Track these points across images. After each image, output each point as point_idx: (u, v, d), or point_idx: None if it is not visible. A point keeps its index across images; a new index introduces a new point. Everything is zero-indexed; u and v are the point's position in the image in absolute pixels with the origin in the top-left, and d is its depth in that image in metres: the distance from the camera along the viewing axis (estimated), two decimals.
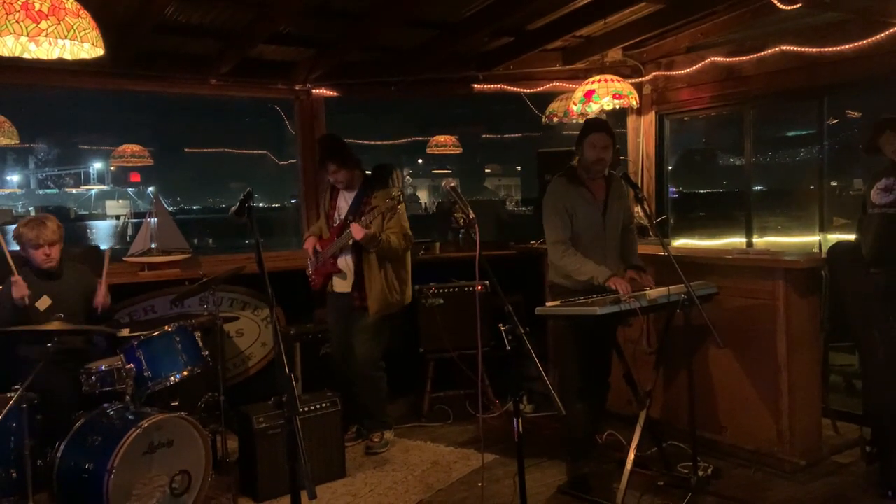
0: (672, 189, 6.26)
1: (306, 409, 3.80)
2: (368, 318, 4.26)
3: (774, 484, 3.68)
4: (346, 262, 4.33)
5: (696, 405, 3.57)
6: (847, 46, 4.30)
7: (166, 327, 3.77)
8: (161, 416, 3.34)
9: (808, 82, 4.65)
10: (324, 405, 3.91)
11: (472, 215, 3.08)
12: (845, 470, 3.80)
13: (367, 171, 4.50)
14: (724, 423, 4.03)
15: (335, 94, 5.61)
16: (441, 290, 5.00)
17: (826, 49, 4.41)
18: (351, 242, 4.19)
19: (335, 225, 4.41)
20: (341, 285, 4.38)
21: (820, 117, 4.94)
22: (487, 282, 4.58)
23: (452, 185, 2.96)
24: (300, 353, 4.72)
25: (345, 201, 4.42)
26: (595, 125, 3.73)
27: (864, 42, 4.20)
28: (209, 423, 3.97)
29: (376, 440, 4.40)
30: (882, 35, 4.11)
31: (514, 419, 2.58)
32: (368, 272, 4.24)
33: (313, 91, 5.53)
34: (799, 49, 4.56)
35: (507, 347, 2.56)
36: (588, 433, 3.75)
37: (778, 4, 3.74)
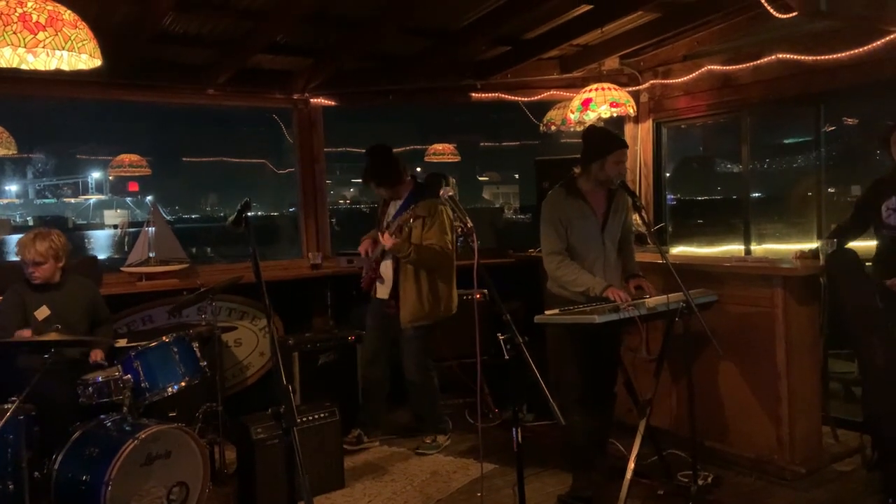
0: (670, 196, 6.26)
1: (304, 419, 3.79)
2: (404, 328, 4.36)
3: (775, 492, 3.67)
4: (386, 267, 4.44)
5: (696, 413, 3.56)
6: (843, 54, 4.31)
7: (164, 338, 3.76)
8: (158, 428, 3.32)
9: (805, 90, 4.67)
10: (322, 415, 3.90)
11: (469, 224, 3.08)
12: (846, 477, 3.79)
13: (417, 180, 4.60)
14: (724, 430, 4.02)
15: (333, 103, 5.62)
16: None
17: (822, 57, 4.42)
18: (385, 251, 4.31)
19: (383, 231, 4.48)
20: (381, 291, 4.50)
21: (817, 124, 4.96)
22: (486, 290, 4.57)
23: (450, 193, 2.96)
24: (298, 362, 4.71)
25: (394, 208, 4.51)
26: (617, 141, 3.68)
27: (860, 49, 4.22)
28: (207, 434, 3.96)
29: (427, 441, 4.49)
30: (878, 43, 4.12)
31: (514, 428, 2.57)
32: (403, 281, 4.33)
33: (311, 100, 5.54)
34: (795, 57, 4.58)
35: (506, 356, 2.55)
36: (590, 443, 3.72)
37: (774, 13, 3.75)
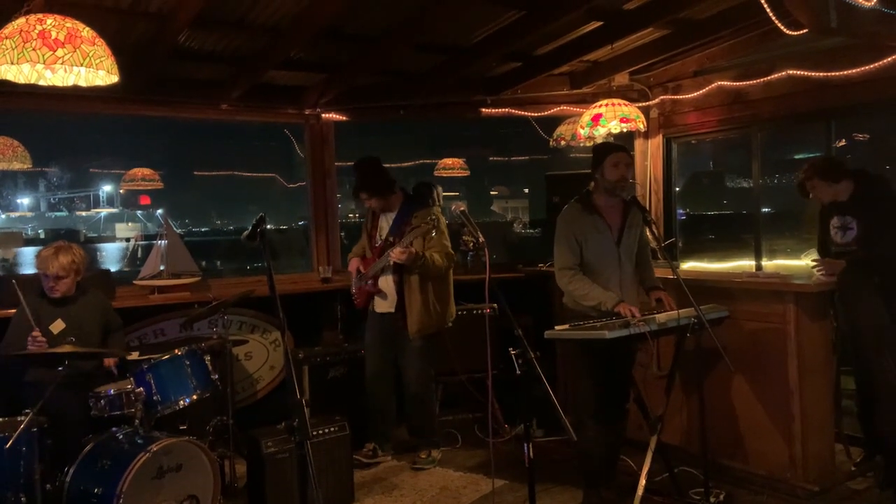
0: (680, 211, 6.25)
1: (315, 433, 3.79)
2: (412, 339, 4.34)
3: None
4: (387, 282, 4.42)
5: (707, 430, 3.54)
6: (854, 71, 4.32)
7: (176, 351, 3.78)
8: (170, 441, 3.33)
9: (816, 106, 4.67)
10: (332, 429, 3.90)
11: (481, 239, 3.10)
12: (859, 496, 3.75)
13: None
14: (736, 448, 3.99)
15: (344, 118, 5.66)
16: None
17: (833, 73, 4.43)
18: (391, 263, 4.28)
19: (376, 245, 4.47)
20: (383, 305, 4.48)
21: (827, 140, 4.95)
22: (496, 304, 4.58)
23: (462, 208, 2.98)
24: (308, 376, 4.72)
25: (386, 222, 4.52)
26: (611, 145, 3.74)
27: (871, 66, 4.22)
28: (217, 448, 3.96)
29: (423, 456, 4.48)
30: (889, 59, 4.13)
31: (525, 444, 2.57)
32: (409, 292, 4.34)
33: (323, 115, 5.59)
34: (806, 73, 4.58)
35: (518, 371, 2.55)
36: (604, 459, 3.70)
37: (784, 29, 3.75)
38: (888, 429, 3.58)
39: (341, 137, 5.79)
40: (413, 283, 4.32)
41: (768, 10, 3.56)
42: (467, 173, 8.99)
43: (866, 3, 3.49)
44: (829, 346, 3.86)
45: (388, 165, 4.66)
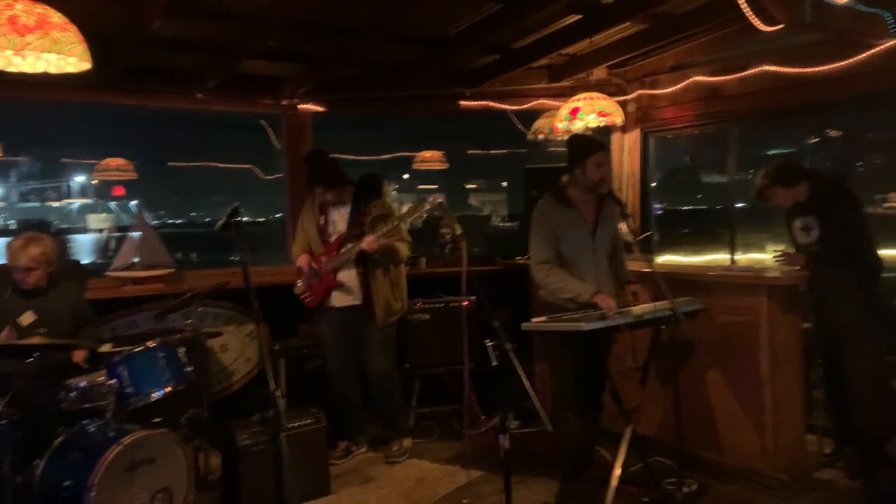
0: (657, 205, 6.30)
1: (290, 425, 3.77)
2: (377, 329, 4.33)
3: (759, 500, 3.69)
4: (348, 275, 4.36)
5: (681, 420, 3.58)
6: (829, 66, 4.37)
7: (149, 343, 3.74)
8: (143, 433, 3.30)
9: (791, 101, 4.72)
10: (308, 421, 3.88)
11: (459, 231, 3.10)
12: (829, 486, 3.82)
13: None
14: (709, 438, 4.04)
15: (322, 109, 5.62)
16: (427, 306, 4.99)
17: (808, 69, 4.48)
18: (355, 255, 4.22)
19: (331, 239, 4.42)
20: (344, 299, 4.40)
21: (803, 136, 5.02)
22: (474, 297, 4.58)
23: (440, 200, 2.97)
24: (285, 368, 4.69)
25: (339, 215, 4.44)
26: (595, 144, 3.74)
27: (846, 62, 4.27)
28: (192, 440, 3.93)
29: (395, 448, 4.48)
30: (863, 56, 4.18)
31: (501, 435, 2.58)
32: (374, 282, 4.32)
33: (300, 106, 5.54)
34: (782, 69, 4.63)
35: (494, 363, 2.56)
36: (580, 450, 3.73)
37: (759, 25, 3.79)
38: (858, 420, 3.65)
39: (319, 131, 5.74)
40: (379, 274, 4.33)
41: (744, 5, 3.59)
42: (446, 166, 8.98)
43: (840, 0, 3.53)
44: (800, 338, 3.92)
45: (367, 158, 4.64)
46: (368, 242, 4.16)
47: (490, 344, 2.57)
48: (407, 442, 4.56)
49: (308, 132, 5.66)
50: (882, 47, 4.04)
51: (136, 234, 5.12)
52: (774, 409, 3.76)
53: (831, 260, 3.75)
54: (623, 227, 3.88)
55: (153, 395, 3.64)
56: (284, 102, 5.48)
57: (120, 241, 5.53)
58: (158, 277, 4.96)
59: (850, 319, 3.66)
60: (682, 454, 3.63)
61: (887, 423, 3.52)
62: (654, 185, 6.15)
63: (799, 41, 4.48)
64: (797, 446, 3.91)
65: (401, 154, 9.76)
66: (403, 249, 4.35)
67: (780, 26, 3.76)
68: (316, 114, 5.64)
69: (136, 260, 4.98)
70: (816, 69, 4.42)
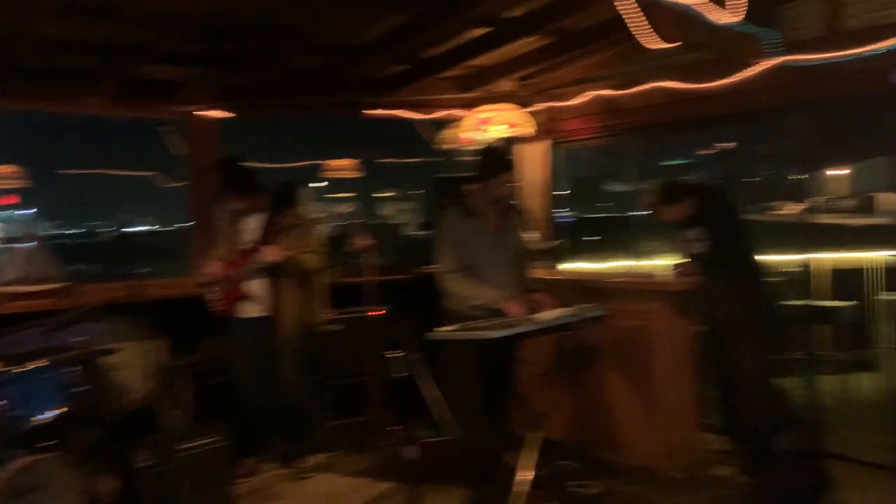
0: (564, 214, 6.49)
1: (191, 444, 3.62)
2: (287, 342, 4.21)
3: (658, 499, 3.84)
4: (258, 285, 4.24)
5: (585, 424, 3.70)
6: (715, 84, 4.62)
7: (38, 362, 3.52)
8: (30, 459, 3.10)
9: (681, 116, 4.98)
10: (210, 439, 3.74)
11: (370, 240, 3.09)
12: (722, 482, 4.01)
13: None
14: (612, 440, 4.17)
15: (226, 115, 5.46)
16: (338, 316, 4.92)
17: (697, 85, 4.73)
18: (264, 265, 4.10)
19: (243, 248, 4.29)
20: (252, 310, 4.29)
21: (694, 149, 5.31)
22: (385, 307, 4.58)
23: (350, 209, 2.95)
24: (185, 385, 4.50)
25: (252, 224, 4.33)
26: (504, 163, 3.84)
27: (730, 80, 4.53)
28: (85, 464, 3.71)
29: (305, 464, 4.37)
30: (745, 75, 4.45)
31: (409, 447, 2.57)
32: (281, 294, 4.19)
33: (202, 112, 5.37)
34: (672, 85, 4.87)
35: (402, 374, 2.56)
36: (489, 458, 3.77)
37: (653, 43, 3.98)
38: (746, 417, 3.85)
39: (226, 137, 5.58)
40: (286, 285, 4.22)
41: (638, 24, 3.76)
42: (358, 174, 8.87)
43: (724, 21, 3.75)
44: (693, 340, 4.11)
45: (276, 166, 4.55)
46: (272, 253, 4.07)
47: (397, 354, 2.56)
48: (319, 458, 4.47)
49: (213, 139, 5.48)
50: (761, 67, 4.33)
51: (23, 246, 4.81)
52: (670, 410, 3.93)
53: (718, 267, 3.97)
54: (532, 235, 3.97)
55: (42, 416, 3.42)
56: (187, 108, 5.30)
57: (5, 253, 5.18)
58: (49, 292, 4.67)
59: (735, 322, 3.88)
60: (587, 456, 3.74)
61: (773, 421, 3.74)
62: (561, 193, 6.33)
63: (689, 59, 4.72)
64: (693, 445, 4.11)
65: (311, 162, 9.60)
66: (311, 261, 4.25)
67: (672, 45, 3.97)
68: (223, 120, 5.48)
69: (23, 274, 4.68)
70: (704, 86, 4.68)
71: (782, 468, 3.65)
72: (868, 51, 3.95)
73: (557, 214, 6.21)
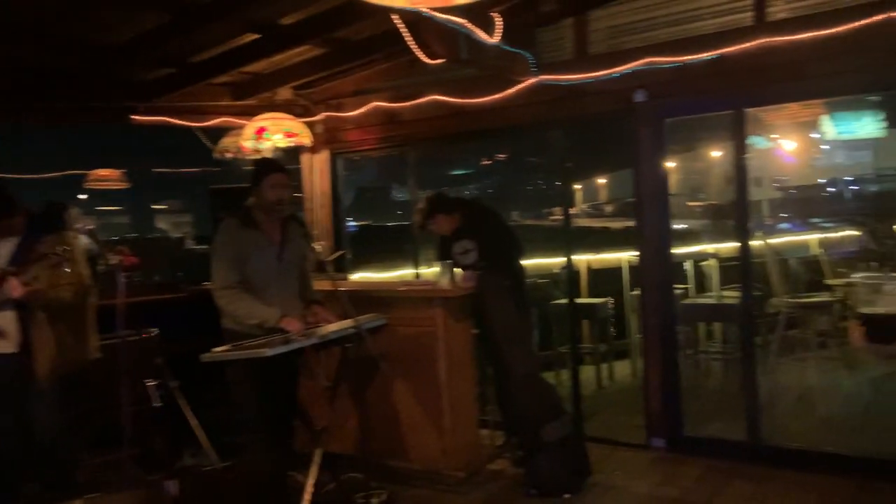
0: (352, 224, 6.48)
1: None
2: (42, 380, 3.64)
3: (441, 499, 3.96)
4: (5, 318, 3.61)
5: (372, 433, 3.71)
6: (486, 98, 4.92)
7: None
8: None
9: (457, 128, 5.22)
10: None
11: (121, 259, 2.82)
12: (499, 476, 4.25)
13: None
14: (398, 447, 4.22)
15: None
16: (100, 343, 4.44)
17: (469, 100, 4.99)
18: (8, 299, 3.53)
19: None
20: (1, 346, 3.66)
21: (472, 160, 5.58)
22: (153, 330, 4.23)
23: (90, 227, 2.67)
24: None
25: (6, 249, 3.69)
26: (270, 165, 3.70)
27: (499, 95, 4.85)
28: None
29: None
30: (511, 90, 4.78)
31: (168, 482, 2.38)
32: (36, 329, 3.60)
33: None
34: (447, 98, 5.09)
35: (157, 403, 2.36)
36: (273, 478, 3.62)
37: (423, 58, 4.12)
38: (518, 412, 4.11)
39: None
40: (40, 319, 3.63)
41: (409, 39, 3.86)
42: (126, 185, 8.18)
43: (489, 40, 3.99)
44: (471, 343, 4.31)
45: (27, 177, 3.94)
46: (13, 288, 3.50)
47: (153, 383, 2.36)
48: (74, 502, 3.96)
49: None
50: (525, 84, 4.67)
51: None
52: (452, 411, 4.07)
53: (489, 275, 4.19)
54: (316, 246, 3.90)
55: None
56: None
57: None
58: None
59: (505, 324, 4.13)
60: (372, 466, 3.75)
61: (542, 412, 4.02)
62: (346, 204, 6.32)
63: (462, 74, 4.96)
64: (473, 443, 4.29)
65: (71, 172, 8.66)
66: (66, 296, 3.66)
67: (441, 61, 4.13)
68: None
69: None
70: (476, 100, 4.95)
71: (550, 456, 3.93)
72: (610, 73, 4.43)
73: (343, 224, 6.19)
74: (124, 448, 3.37)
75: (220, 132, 5.80)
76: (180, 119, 5.48)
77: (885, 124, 8.61)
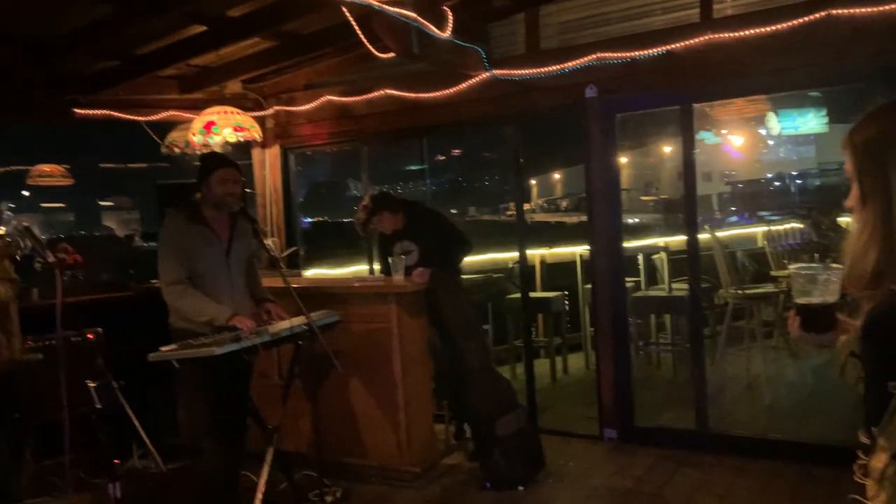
0: (305, 220, 6.40)
1: None
2: None
3: (397, 495, 3.95)
4: None
5: (326, 431, 3.67)
6: (438, 93, 4.90)
7: None
8: None
9: (410, 123, 5.19)
10: None
11: (62, 256, 2.73)
12: (455, 470, 4.26)
13: None
14: (353, 444, 4.19)
15: None
16: (39, 344, 4.30)
17: (421, 95, 4.97)
18: None
19: None
20: None
21: (423, 155, 5.55)
22: (97, 329, 4.12)
23: (25, 224, 2.58)
24: None
25: None
26: (219, 160, 3.63)
27: (451, 90, 4.84)
28: None
29: None
30: (463, 85, 4.78)
31: (111, 484, 2.32)
32: None
33: None
34: (400, 93, 5.05)
35: (99, 405, 2.30)
36: (225, 479, 3.56)
37: (374, 52, 4.08)
38: (472, 406, 4.12)
39: None
40: None
41: (360, 33, 3.82)
42: (71, 181, 7.94)
43: (441, 34, 3.97)
44: (426, 339, 4.30)
45: None
46: None
47: (93, 384, 2.29)
48: None
49: None
50: (477, 79, 4.67)
51: None
52: (407, 407, 4.06)
53: (441, 271, 4.19)
54: (269, 243, 3.83)
55: None
56: None
57: None
58: None
59: (459, 319, 4.13)
60: (327, 464, 3.72)
61: (497, 406, 4.04)
62: (300, 200, 6.24)
63: (414, 69, 4.93)
64: (428, 438, 4.29)
65: (13, 168, 8.35)
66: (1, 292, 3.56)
67: (392, 55, 4.10)
68: None
69: None
70: (428, 95, 4.93)
71: (505, 449, 3.96)
72: (561, 68, 4.46)
73: (296, 220, 6.11)
74: (66, 451, 3.25)
75: (169, 126, 5.66)
76: (126, 113, 5.33)
77: (827, 120, 8.91)
